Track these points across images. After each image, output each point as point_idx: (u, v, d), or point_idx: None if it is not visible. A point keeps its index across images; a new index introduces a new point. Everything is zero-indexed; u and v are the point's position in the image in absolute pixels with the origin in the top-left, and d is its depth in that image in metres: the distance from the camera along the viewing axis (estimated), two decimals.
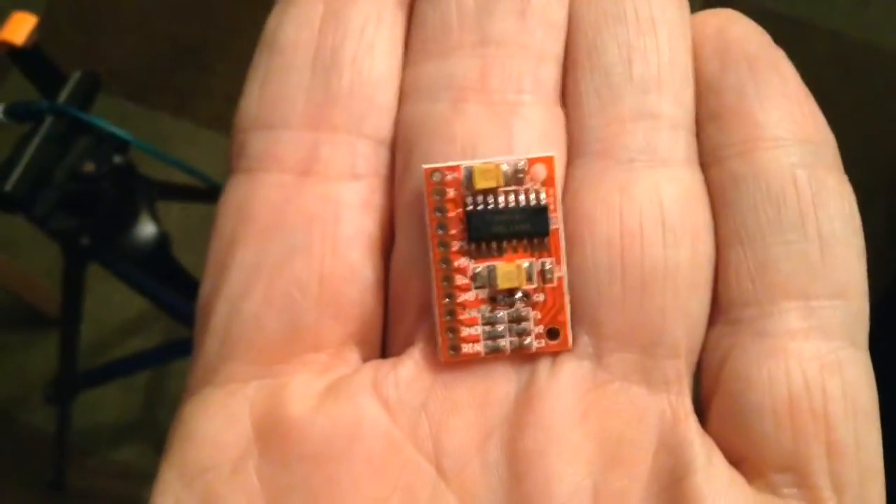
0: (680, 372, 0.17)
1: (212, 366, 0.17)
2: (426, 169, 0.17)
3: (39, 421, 1.08)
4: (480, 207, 0.17)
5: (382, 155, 0.17)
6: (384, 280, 0.17)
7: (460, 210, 0.17)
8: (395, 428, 0.16)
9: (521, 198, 0.17)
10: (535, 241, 0.17)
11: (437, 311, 0.17)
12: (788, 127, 0.17)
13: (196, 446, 0.17)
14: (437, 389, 0.17)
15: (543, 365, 0.17)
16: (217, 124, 1.21)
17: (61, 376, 0.94)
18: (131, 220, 0.80)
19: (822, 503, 0.16)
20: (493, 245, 0.17)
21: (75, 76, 0.72)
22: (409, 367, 0.17)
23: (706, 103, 0.17)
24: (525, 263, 0.17)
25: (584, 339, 0.17)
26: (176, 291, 0.83)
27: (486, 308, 0.17)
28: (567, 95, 0.17)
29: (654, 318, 0.16)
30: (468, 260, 0.17)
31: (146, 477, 0.17)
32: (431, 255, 0.17)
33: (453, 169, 0.17)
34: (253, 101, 0.18)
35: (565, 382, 0.17)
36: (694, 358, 0.17)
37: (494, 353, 0.17)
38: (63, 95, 0.71)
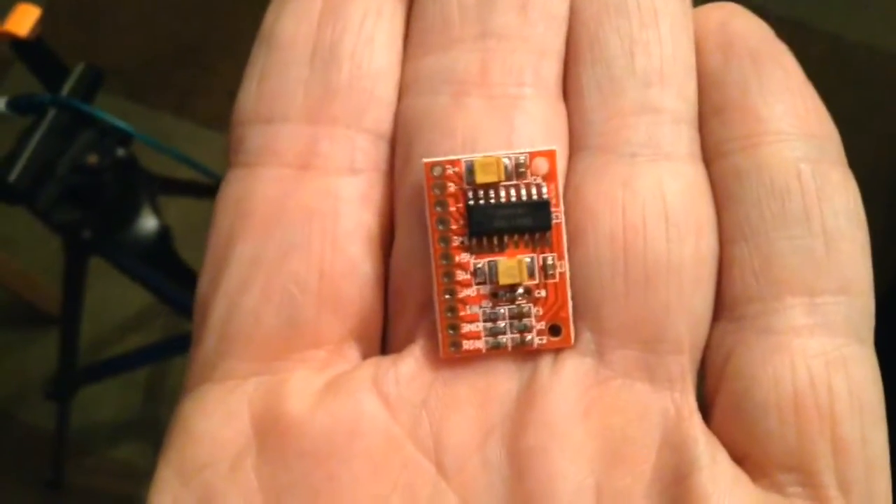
0: (683, 369, 0.16)
1: (210, 362, 0.17)
2: (426, 163, 0.16)
3: (38, 419, 1.08)
4: (482, 202, 0.17)
5: (382, 149, 0.17)
6: (384, 276, 0.17)
7: (461, 205, 0.17)
8: (396, 425, 0.16)
9: (523, 192, 0.17)
10: (537, 235, 0.17)
11: (437, 308, 0.17)
12: (792, 121, 0.17)
13: (194, 444, 0.16)
14: (437, 386, 0.17)
15: (545, 361, 0.17)
16: (218, 123, 1.21)
17: (61, 371, 0.94)
18: (133, 213, 0.79)
19: (828, 501, 0.16)
20: (495, 240, 0.17)
21: (78, 69, 0.72)
22: (410, 364, 0.17)
23: (709, 97, 0.17)
24: (527, 259, 0.17)
25: (587, 336, 0.17)
26: (177, 285, 0.83)
27: (487, 304, 0.17)
28: (569, 89, 0.17)
29: (657, 314, 0.16)
30: (469, 255, 0.17)
31: (145, 475, 0.16)
32: (432, 250, 0.17)
33: (454, 163, 0.16)
34: (251, 94, 0.17)
35: (567, 379, 0.16)
36: (698, 355, 0.17)
37: (496, 350, 0.17)
38: (66, 88, 0.71)
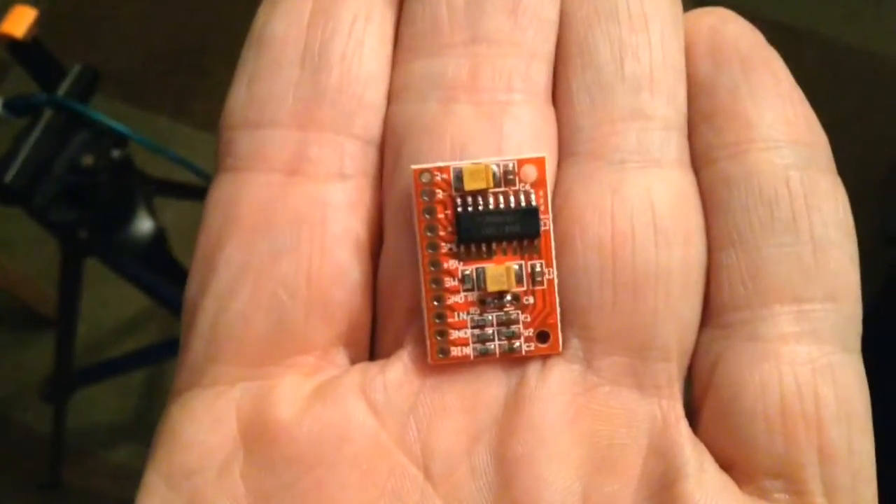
0: (671, 376, 0.16)
1: (198, 367, 0.17)
2: (415, 169, 0.16)
3: (34, 421, 1.08)
4: (470, 209, 0.17)
5: (371, 155, 0.17)
6: (372, 281, 0.17)
7: (449, 211, 0.17)
8: (383, 431, 0.16)
9: (512, 199, 0.17)
10: (525, 242, 0.17)
11: (425, 314, 0.17)
12: (782, 128, 0.17)
13: (182, 449, 0.16)
14: (425, 393, 0.17)
15: (533, 368, 0.17)
16: (215, 127, 1.21)
17: (57, 373, 0.94)
18: (129, 214, 0.79)
19: None
20: (483, 247, 0.17)
21: (74, 70, 0.72)
22: (398, 370, 0.17)
23: (699, 103, 0.17)
24: (515, 265, 0.17)
25: (575, 342, 0.17)
26: (173, 286, 0.83)
27: (475, 311, 0.17)
28: (558, 94, 0.17)
29: (645, 321, 0.16)
30: (457, 262, 0.17)
31: (141, 477, 0.16)
32: (420, 257, 0.17)
33: (442, 170, 0.16)
34: (240, 98, 0.17)
35: (555, 386, 0.16)
36: (685, 362, 0.17)
37: (484, 357, 0.17)
38: (62, 89, 0.71)
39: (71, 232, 0.78)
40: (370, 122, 0.17)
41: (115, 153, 0.75)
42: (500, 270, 0.17)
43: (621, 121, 0.17)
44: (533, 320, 0.17)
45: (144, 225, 0.80)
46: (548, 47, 0.17)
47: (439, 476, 0.16)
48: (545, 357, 0.17)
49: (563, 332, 0.17)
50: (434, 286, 0.17)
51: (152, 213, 0.81)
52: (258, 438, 0.16)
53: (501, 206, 0.17)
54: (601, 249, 0.16)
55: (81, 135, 0.72)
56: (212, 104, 1.23)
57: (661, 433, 0.16)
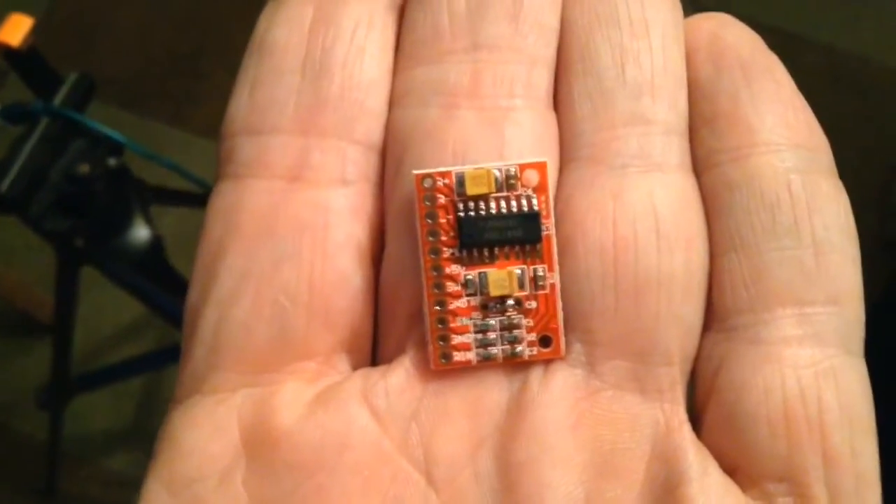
0: (674, 380, 0.16)
1: (199, 374, 0.17)
2: (417, 174, 0.16)
3: (31, 428, 1.08)
4: (472, 213, 0.17)
5: (373, 160, 0.17)
6: (374, 287, 0.17)
7: (451, 216, 0.17)
8: (385, 437, 0.16)
9: (513, 204, 0.17)
10: (527, 247, 0.17)
11: (428, 319, 0.17)
12: (783, 132, 0.17)
13: (183, 457, 0.16)
14: (427, 398, 0.16)
15: (535, 373, 0.17)
16: (213, 132, 1.21)
17: (54, 380, 0.94)
18: (125, 222, 0.79)
19: None
20: (485, 252, 0.17)
21: (71, 78, 0.72)
22: (400, 376, 0.17)
23: (700, 108, 0.17)
24: (517, 270, 0.17)
25: (577, 347, 0.17)
26: (169, 294, 0.83)
27: (477, 315, 0.17)
28: (559, 100, 0.17)
29: (647, 325, 0.16)
30: (459, 267, 0.17)
31: (139, 484, 0.16)
32: (422, 262, 0.17)
33: (444, 175, 0.16)
34: (242, 105, 0.17)
35: (557, 391, 0.16)
36: (688, 366, 0.17)
37: (486, 362, 0.17)
38: (58, 97, 0.71)
39: (67, 241, 0.78)
40: (372, 127, 0.17)
41: (112, 161, 0.75)
42: (502, 275, 0.17)
43: (623, 126, 0.17)
44: (535, 325, 0.17)
45: (141, 233, 0.80)
46: (549, 53, 0.17)
47: (442, 482, 0.16)
48: (548, 362, 0.17)
49: (565, 336, 0.17)
50: (436, 291, 0.17)
51: (149, 221, 0.81)
52: (260, 445, 0.16)
53: (503, 210, 0.17)
54: (603, 254, 0.16)
55: (77, 143, 0.72)
56: (210, 109, 1.23)
57: (664, 437, 0.16)
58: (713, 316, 0.17)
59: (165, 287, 0.83)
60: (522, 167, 0.16)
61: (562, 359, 0.17)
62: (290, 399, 0.16)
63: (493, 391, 0.17)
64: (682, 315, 0.16)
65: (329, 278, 0.17)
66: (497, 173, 0.16)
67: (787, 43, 1.25)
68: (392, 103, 0.17)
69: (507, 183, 0.16)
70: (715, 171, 0.17)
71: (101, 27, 1.31)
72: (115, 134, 0.72)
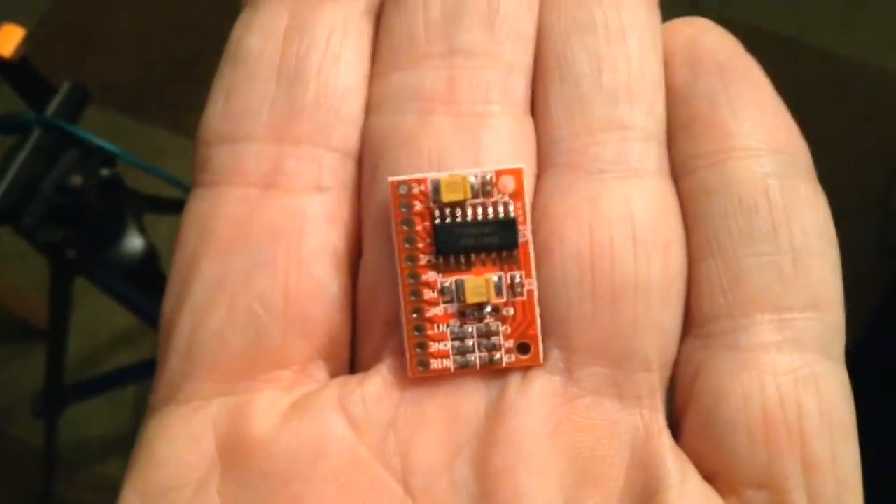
0: (653, 386, 0.16)
1: (174, 383, 0.17)
2: (392, 181, 0.16)
3: (27, 434, 1.08)
4: (448, 220, 0.16)
5: (349, 167, 0.17)
6: (351, 295, 0.17)
7: (427, 223, 0.16)
8: (362, 445, 0.16)
9: (490, 210, 0.16)
10: (504, 254, 0.17)
11: (405, 327, 0.17)
12: (761, 136, 0.17)
13: (158, 466, 0.16)
14: (405, 406, 0.16)
15: (514, 380, 0.17)
16: None
17: (48, 389, 0.94)
18: (118, 232, 0.79)
19: None
20: (462, 258, 0.17)
21: (64, 89, 0.72)
22: (377, 384, 0.16)
23: (677, 113, 0.17)
24: (494, 277, 0.17)
25: (555, 354, 0.16)
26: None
27: (455, 323, 0.17)
28: (536, 106, 0.17)
29: (625, 331, 0.16)
30: (436, 274, 0.17)
31: (118, 494, 0.16)
32: (399, 269, 0.16)
33: (420, 181, 0.16)
34: (217, 113, 0.17)
35: (536, 397, 0.16)
36: (667, 372, 0.17)
37: (464, 369, 0.17)
38: (51, 108, 0.71)
39: (59, 251, 0.78)
40: (348, 134, 0.17)
41: (104, 172, 0.75)
42: (479, 282, 0.16)
43: (600, 131, 0.17)
44: (513, 332, 0.17)
45: (135, 243, 0.80)
46: (525, 59, 0.17)
47: (419, 490, 0.16)
48: (526, 368, 0.17)
49: (543, 343, 0.16)
50: (413, 298, 0.16)
51: (143, 230, 0.80)
52: (235, 454, 0.16)
53: (479, 217, 0.16)
54: (580, 260, 0.16)
55: (70, 154, 0.72)
56: None
57: (643, 444, 0.16)
58: (691, 322, 0.17)
59: (160, 297, 0.83)
60: (499, 173, 0.16)
61: (540, 366, 0.16)
62: (266, 408, 0.16)
63: (471, 398, 0.16)
64: (660, 321, 0.16)
65: (304, 286, 0.16)
66: (473, 179, 0.16)
67: (786, 48, 1.26)
68: (368, 110, 0.17)
69: (484, 189, 0.16)
70: (693, 177, 0.17)
71: (100, 32, 1.31)
72: (108, 144, 0.72)
